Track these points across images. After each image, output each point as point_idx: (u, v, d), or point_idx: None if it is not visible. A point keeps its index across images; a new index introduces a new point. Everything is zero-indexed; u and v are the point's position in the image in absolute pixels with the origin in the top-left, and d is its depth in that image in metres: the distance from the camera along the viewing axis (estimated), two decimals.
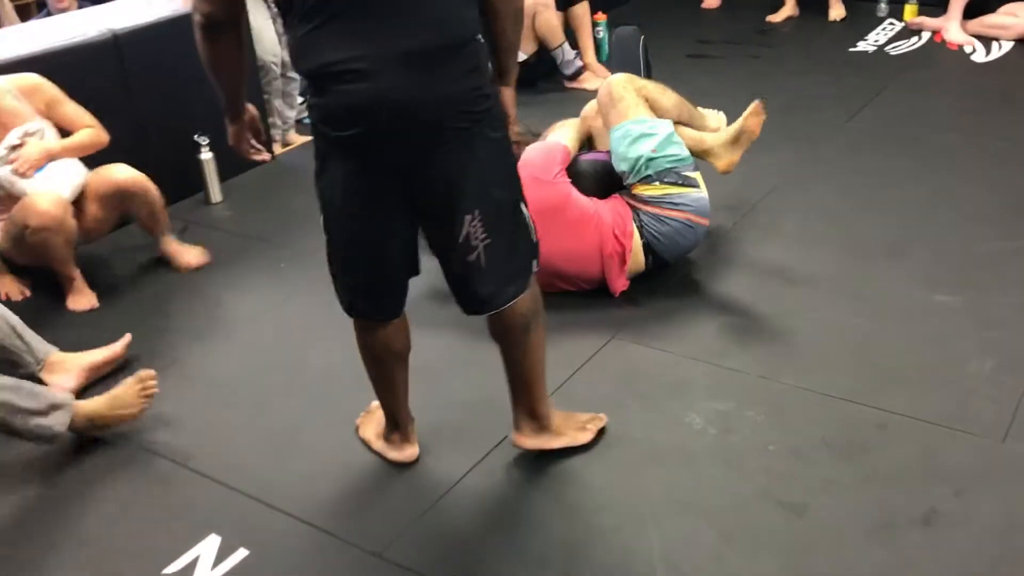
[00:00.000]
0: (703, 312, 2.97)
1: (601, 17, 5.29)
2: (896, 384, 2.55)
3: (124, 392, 2.53)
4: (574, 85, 4.94)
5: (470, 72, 1.92)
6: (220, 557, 2.17)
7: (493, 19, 2.00)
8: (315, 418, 2.62)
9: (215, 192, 3.93)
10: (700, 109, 3.34)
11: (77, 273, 3.23)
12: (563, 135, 3.19)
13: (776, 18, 5.87)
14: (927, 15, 5.47)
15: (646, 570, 2.03)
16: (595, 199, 3.02)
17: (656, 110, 3.10)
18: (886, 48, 5.26)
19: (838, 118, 4.34)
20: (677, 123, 3.14)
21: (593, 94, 3.31)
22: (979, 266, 3.06)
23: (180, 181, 3.90)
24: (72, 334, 3.01)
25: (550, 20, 4.78)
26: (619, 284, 3.01)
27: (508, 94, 2.16)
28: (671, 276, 3.13)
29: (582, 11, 4.98)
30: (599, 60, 5.16)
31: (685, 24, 5.93)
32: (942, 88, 4.72)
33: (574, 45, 5.04)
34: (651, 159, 2.97)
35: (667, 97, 3.17)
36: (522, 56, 4.86)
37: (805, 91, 4.71)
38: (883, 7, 5.75)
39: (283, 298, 3.25)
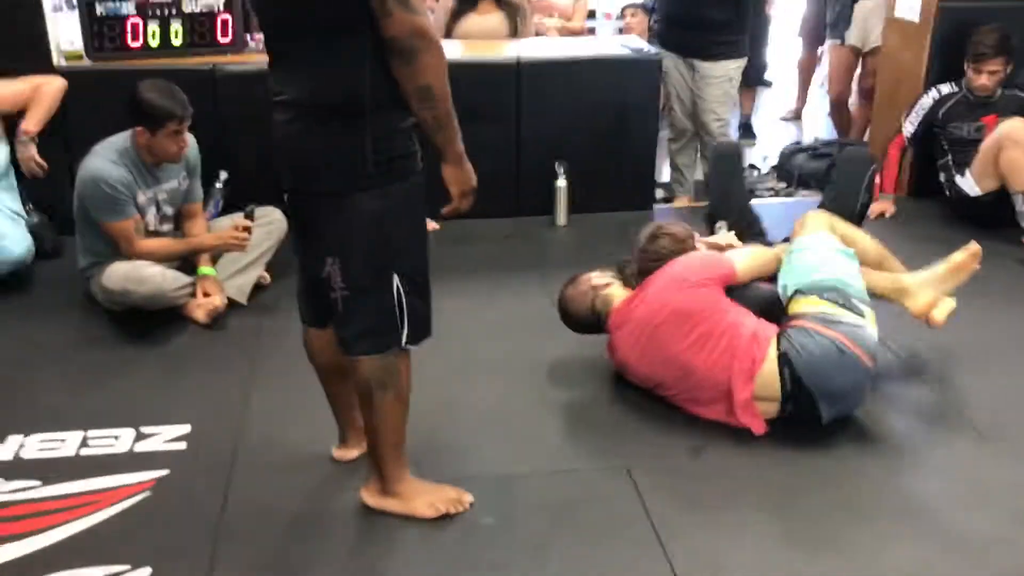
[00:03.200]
0: (754, 501, 2.48)
1: None
2: None
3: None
4: None
5: (342, 135, 2.03)
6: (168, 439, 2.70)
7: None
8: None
9: (561, 216, 4.32)
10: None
11: None
12: (740, 255, 2.92)
13: None
14: None
15: None
16: (742, 308, 2.74)
17: (847, 244, 2.89)
18: None
19: None
20: (864, 264, 2.90)
21: None
22: None
23: (540, 200, 4.34)
24: None
25: (1016, 160, 3.96)
26: (742, 396, 2.62)
27: (446, 171, 2.16)
28: (770, 445, 2.65)
29: None
30: None
31: None
32: None
33: None
34: (816, 269, 2.74)
35: (861, 236, 3.03)
36: (976, 191, 4.19)
37: None
38: None
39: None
